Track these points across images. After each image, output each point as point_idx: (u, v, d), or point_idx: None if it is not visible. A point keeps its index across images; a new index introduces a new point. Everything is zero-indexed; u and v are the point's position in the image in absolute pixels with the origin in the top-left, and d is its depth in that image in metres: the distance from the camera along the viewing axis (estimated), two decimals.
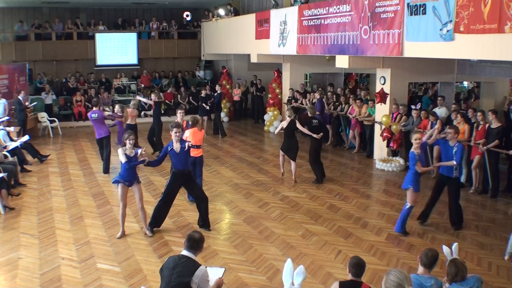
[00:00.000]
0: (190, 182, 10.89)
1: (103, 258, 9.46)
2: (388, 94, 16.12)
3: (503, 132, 12.92)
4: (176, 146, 10.47)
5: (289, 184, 14.35)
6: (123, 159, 10.15)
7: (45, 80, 26.05)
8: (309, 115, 14.78)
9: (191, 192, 11.33)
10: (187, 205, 12.36)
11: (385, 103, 16.28)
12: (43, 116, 22.41)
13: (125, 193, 10.42)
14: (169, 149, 10.53)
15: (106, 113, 15.80)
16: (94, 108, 15.65)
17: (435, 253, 6.06)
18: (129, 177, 10.33)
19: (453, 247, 6.26)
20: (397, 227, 10.61)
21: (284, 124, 14.40)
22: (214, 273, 6.27)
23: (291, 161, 14.49)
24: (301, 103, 20.86)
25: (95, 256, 9.52)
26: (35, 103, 22.33)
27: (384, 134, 15.89)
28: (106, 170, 15.63)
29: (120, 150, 10.26)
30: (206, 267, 6.16)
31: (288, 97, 21.85)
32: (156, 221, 10.76)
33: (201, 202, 10.92)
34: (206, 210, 10.97)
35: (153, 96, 17.25)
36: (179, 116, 13.93)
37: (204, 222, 10.98)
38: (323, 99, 19.16)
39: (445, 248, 6.27)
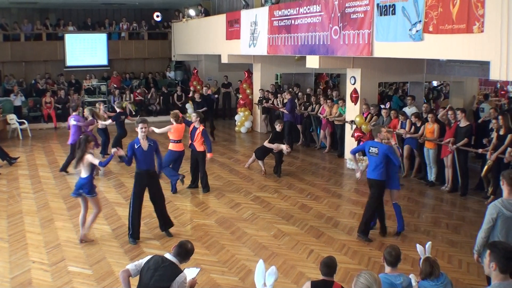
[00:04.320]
0: (155, 183, 10.47)
1: (74, 261, 9.37)
2: (358, 94, 16.23)
3: (471, 130, 13.08)
4: (144, 144, 10.12)
5: (260, 185, 14.37)
6: (96, 161, 9.92)
7: (14, 82, 25.73)
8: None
9: (152, 194, 10.51)
10: None
11: (355, 104, 16.38)
12: (12, 118, 22.10)
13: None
14: (136, 147, 10.06)
15: (81, 124, 15.39)
16: (74, 113, 15.61)
17: (398, 251, 6.12)
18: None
19: (427, 245, 6.34)
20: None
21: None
22: (189, 273, 6.27)
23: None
24: (272, 103, 20.86)
25: (66, 259, 9.43)
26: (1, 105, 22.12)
27: (356, 133, 15.98)
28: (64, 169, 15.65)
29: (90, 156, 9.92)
30: (183, 269, 6.17)
31: (259, 97, 21.87)
32: (136, 231, 10.31)
33: (160, 205, 10.57)
34: (165, 211, 10.69)
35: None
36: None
37: (167, 223, 10.68)
38: (295, 100, 19.22)
39: (419, 247, 6.34)
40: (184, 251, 6.12)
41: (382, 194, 10.31)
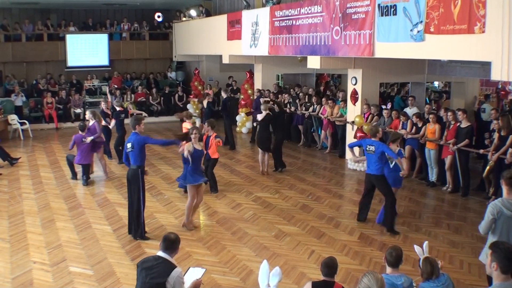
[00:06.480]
0: None
1: (75, 261, 9.37)
2: (357, 95, 16.27)
3: (472, 131, 13.07)
4: None
5: (261, 185, 14.36)
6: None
7: (15, 82, 25.75)
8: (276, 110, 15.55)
9: (131, 193, 10.36)
10: (159, 207, 12.32)
11: (354, 104, 16.39)
12: (13, 118, 22.10)
13: None
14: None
15: (89, 139, 14.66)
16: (81, 133, 14.52)
17: (399, 252, 6.12)
18: None
19: (424, 245, 6.34)
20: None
21: (259, 117, 15.26)
22: (195, 274, 6.29)
23: (265, 153, 15.32)
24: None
25: (67, 260, 9.43)
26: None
27: (358, 134, 15.97)
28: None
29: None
30: (189, 268, 6.18)
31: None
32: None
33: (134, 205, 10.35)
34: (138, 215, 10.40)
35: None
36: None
37: (139, 228, 10.36)
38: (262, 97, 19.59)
39: (417, 248, 6.34)
40: (169, 243, 6.16)
41: (388, 185, 10.70)
